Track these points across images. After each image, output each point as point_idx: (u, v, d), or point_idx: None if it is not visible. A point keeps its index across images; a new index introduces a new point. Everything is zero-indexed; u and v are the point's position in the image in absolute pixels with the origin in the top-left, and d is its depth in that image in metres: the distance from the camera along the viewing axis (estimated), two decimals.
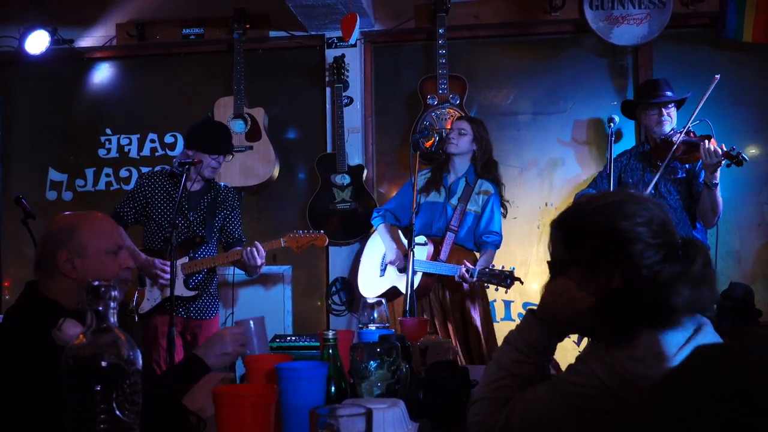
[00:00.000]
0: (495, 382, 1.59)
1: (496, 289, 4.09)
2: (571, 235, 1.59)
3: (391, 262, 4.34)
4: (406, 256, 4.13)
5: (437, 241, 4.28)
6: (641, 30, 4.74)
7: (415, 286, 4.16)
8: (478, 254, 4.34)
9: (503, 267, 4.04)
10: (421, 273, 4.17)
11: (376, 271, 4.50)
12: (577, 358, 1.54)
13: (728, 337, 1.13)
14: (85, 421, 1.15)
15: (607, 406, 1.41)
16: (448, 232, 4.28)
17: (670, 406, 0.88)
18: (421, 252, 4.20)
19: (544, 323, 1.59)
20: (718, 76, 4.09)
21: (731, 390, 0.83)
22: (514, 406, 1.53)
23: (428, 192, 4.37)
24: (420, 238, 4.24)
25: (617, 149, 4.57)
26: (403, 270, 4.24)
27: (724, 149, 3.88)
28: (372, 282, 4.49)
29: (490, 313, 4.41)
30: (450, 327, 4.23)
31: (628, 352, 1.43)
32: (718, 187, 3.98)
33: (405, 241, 4.22)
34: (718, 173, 3.94)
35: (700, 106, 4.09)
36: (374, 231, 4.61)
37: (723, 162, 3.89)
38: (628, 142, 4.86)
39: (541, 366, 1.61)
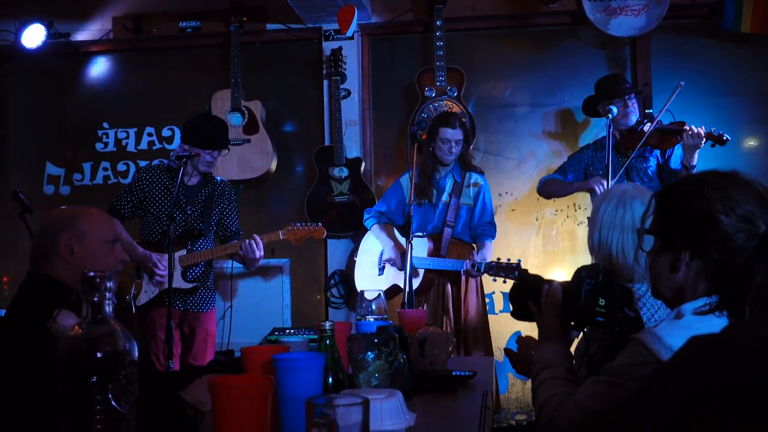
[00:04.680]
0: None
1: (494, 279, 4.12)
2: (662, 213, 1.64)
3: (388, 260, 4.34)
4: (403, 254, 4.16)
5: (435, 238, 4.29)
6: (639, 21, 4.73)
7: (418, 282, 4.19)
8: (474, 246, 4.35)
9: (509, 260, 4.08)
10: (423, 270, 4.18)
11: (374, 270, 4.48)
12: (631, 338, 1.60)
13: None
14: (81, 413, 1.14)
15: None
16: (446, 228, 4.29)
17: (663, 397, 0.88)
18: (422, 249, 4.21)
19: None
20: (682, 83, 4.21)
21: (723, 380, 0.83)
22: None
23: (420, 201, 4.36)
24: (419, 236, 4.26)
25: (586, 139, 4.79)
26: (402, 268, 4.25)
27: (705, 131, 4.04)
28: (371, 281, 4.46)
29: (486, 306, 4.44)
30: (446, 321, 4.25)
31: (684, 332, 1.46)
32: (695, 169, 4.11)
33: (401, 239, 4.24)
34: (696, 155, 4.08)
35: (663, 110, 4.20)
36: (368, 231, 4.59)
37: (704, 143, 4.03)
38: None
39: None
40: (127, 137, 5.57)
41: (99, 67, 5.66)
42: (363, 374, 1.81)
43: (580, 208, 5.02)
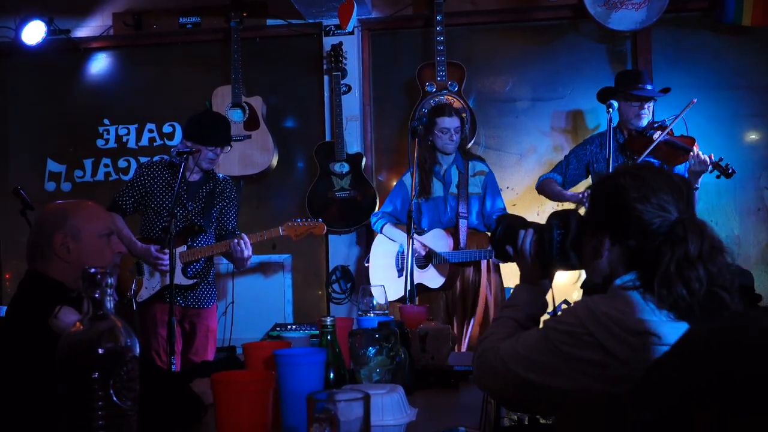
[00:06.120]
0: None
1: None
2: (592, 199, 1.72)
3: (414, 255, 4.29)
4: (425, 249, 4.15)
5: (452, 231, 4.27)
6: (640, 15, 4.72)
7: (443, 280, 4.16)
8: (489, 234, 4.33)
9: None
10: (448, 264, 4.16)
11: (393, 272, 4.41)
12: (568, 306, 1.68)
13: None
14: (82, 409, 1.14)
15: (582, 343, 1.51)
16: (460, 220, 4.27)
17: (662, 387, 0.88)
18: (442, 244, 4.19)
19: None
20: (695, 100, 4.12)
21: (723, 373, 0.83)
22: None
23: (426, 195, 4.34)
24: (436, 231, 4.24)
25: (586, 135, 4.69)
26: (423, 266, 4.23)
27: (713, 159, 3.97)
28: (391, 285, 4.28)
29: (505, 297, 4.40)
30: (457, 314, 4.24)
31: (610, 301, 1.54)
32: (697, 191, 4.06)
33: (419, 237, 4.21)
34: (700, 179, 4.04)
35: (674, 122, 4.11)
36: (376, 235, 4.52)
37: (709, 170, 3.97)
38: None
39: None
40: (128, 133, 5.57)
41: (99, 64, 5.66)
42: (364, 369, 1.82)
43: None
